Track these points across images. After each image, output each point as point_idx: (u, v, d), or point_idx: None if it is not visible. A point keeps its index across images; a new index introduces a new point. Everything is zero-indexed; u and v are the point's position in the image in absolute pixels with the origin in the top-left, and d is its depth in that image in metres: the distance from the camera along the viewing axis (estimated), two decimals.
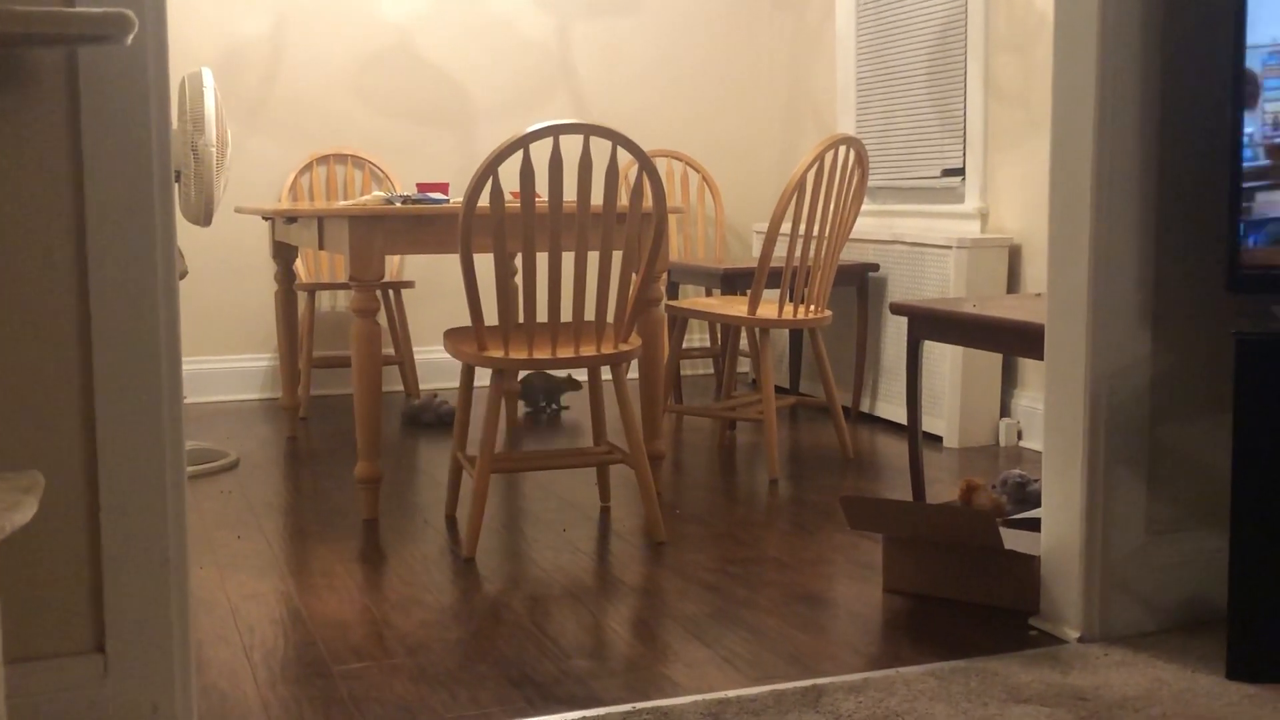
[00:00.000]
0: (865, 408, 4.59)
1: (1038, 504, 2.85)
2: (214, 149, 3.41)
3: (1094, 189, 2.26)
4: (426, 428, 4.46)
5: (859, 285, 4.51)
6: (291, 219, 3.63)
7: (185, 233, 4.85)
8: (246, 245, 5.02)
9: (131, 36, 1.58)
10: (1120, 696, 2.06)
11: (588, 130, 2.79)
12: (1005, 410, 4.17)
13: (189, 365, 4.94)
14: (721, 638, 2.38)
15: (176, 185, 3.43)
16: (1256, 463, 2.06)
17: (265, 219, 4.28)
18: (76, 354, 1.80)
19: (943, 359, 4.11)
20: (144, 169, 1.79)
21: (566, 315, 4.81)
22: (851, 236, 4.53)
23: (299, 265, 4.88)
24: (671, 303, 4.08)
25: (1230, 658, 2.12)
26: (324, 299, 5.18)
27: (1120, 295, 2.29)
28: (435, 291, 5.24)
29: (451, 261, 5.25)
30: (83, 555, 1.83)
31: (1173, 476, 2.36)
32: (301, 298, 4.90)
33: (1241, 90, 2.09)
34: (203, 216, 3.53)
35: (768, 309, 3.80)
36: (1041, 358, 2.43)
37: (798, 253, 3.77)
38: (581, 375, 5.09)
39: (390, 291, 4.93)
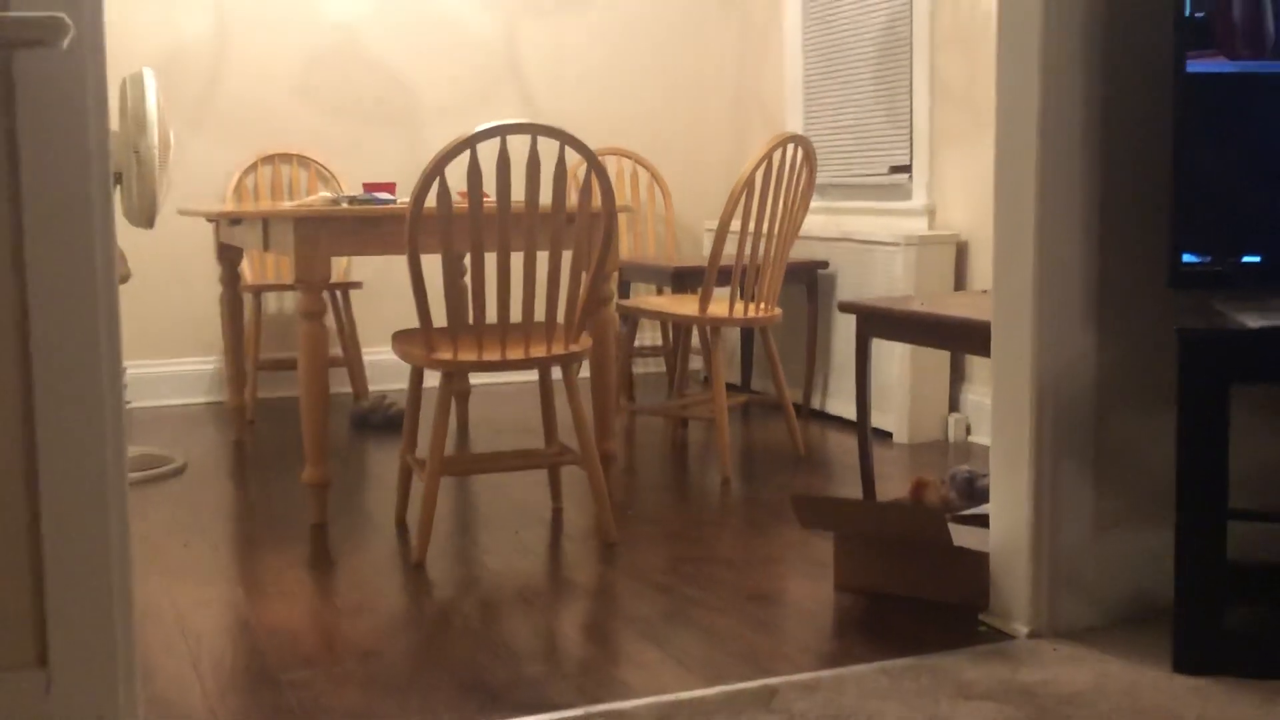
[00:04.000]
0: (816, 404, 4.61)
1: (986, 500, 2.88)
2: (156, 150, 3.36)
3: (1038, 187, 2.28)
4: (375, 430, 4.43)
5: (808, 283, 4.52)
6: (236, 220, 3.59)
7: (128, 235, 4.78)
8: (191, 247, 4.96)
9: (67, 40, 1.56)
10: (1069, 691, 2.08)
11: (535, 130, 2.78)
12: (954, 405, 4.20)
13: (133, 369, 4.88)
14: (674, 638, 2.38)
15: (118, 187, 3.38)
16: (1200, 457, 2.09)
17: (209, 221, 4.24)
18: (15, 359, 1.77)
19: (892, 355, 4.14)
20: (82, 171, 1.77)
21: (516, 316, 4.80)
22: (801, 234, 4.55)
23: (244, 267, 4.83)
24: (622, 301, 4.08)
25: (1176, 651, 2.15)
26: (270, 301, 5.13)
27: (1065, 292, 2.31)
28: (383, 292, 5.20)
29: (400, 262, 5.21)
30: (23, 565, 1.80)
31: (1119, 471, 2.39)
32: (247, 300, 4.85)
33: (1184, 85, 2.12)
34: (145, 219, 3.48)
35: (718, 307, 3.81)
36: (989, 354, 2.45)
37: (747, 251, 3.78)
38: (527, 376, 5.07)
39: (338, 293, 4.88)
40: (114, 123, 3.49)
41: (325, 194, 3.42)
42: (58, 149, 1.75)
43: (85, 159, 1.77)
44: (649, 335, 5.62)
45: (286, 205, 3.47)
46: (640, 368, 5.57)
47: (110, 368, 1.82)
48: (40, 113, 1.74)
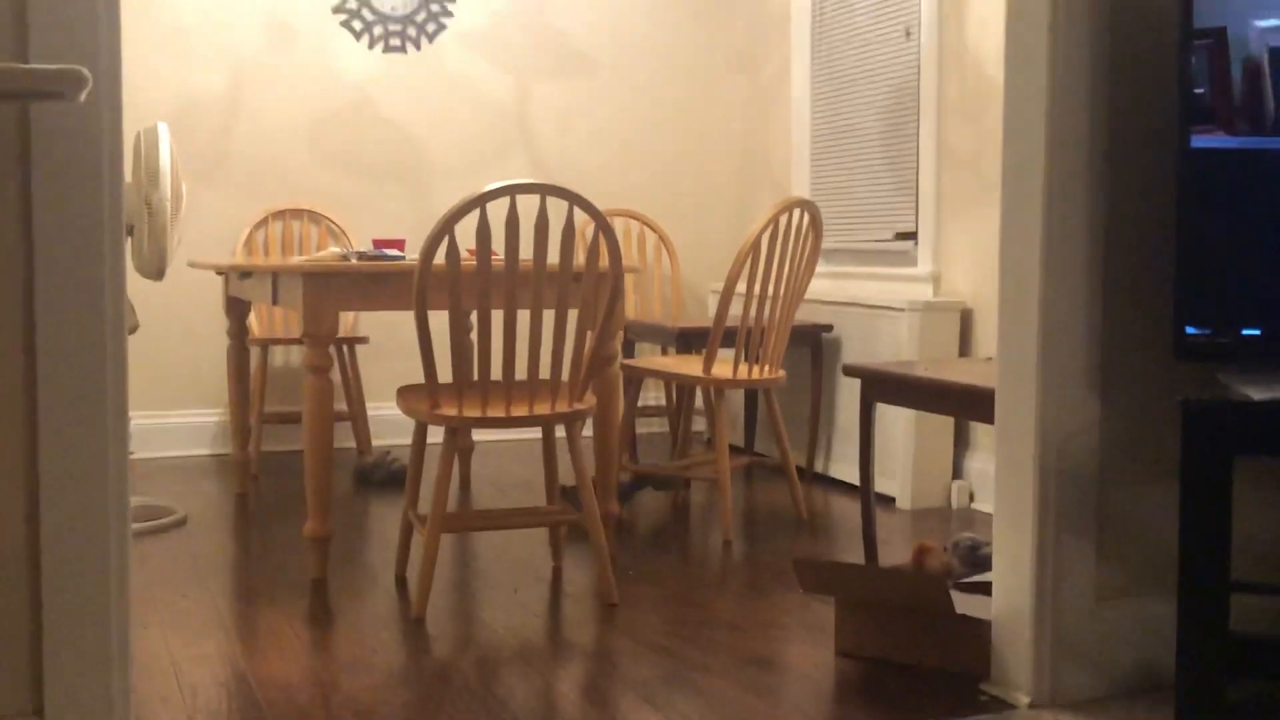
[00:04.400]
0: (819, 468, 4.60)
1: (989, 567, 2.86)
2: (168, 203, 3.39)
3: (1043, 255, 2.29)
4: (378, 485, 4.42)
5: (813, 346, 4.53)
6: (245, 274, 3.61)
7: (138, 287, 4.80)
8: (199, 300, 4.98)
9: (85, 93, 1.58)
10: None
11: (544, 190, 2.81)
12: (958, 472, 4.19)
13: (139, 420, 4.88)
14: (673, 702, 2.36)
15: (129, 239, 3.41)
16: (1202, 529, 2.08)
17: (219, 274, 4.26)
18: (22, 407, 1.78)
19: (896, 420, 4.13)
20: (95, 223, 1.78)
21: (521, 373, 4.81)
22: (806, 297, 4.56)
23: (252, 320, 4.85)
24: (627, 361, 4.08)
25: None
26: (277, 354, 5.15)
27: (1069, 360, 2.32)
28: (390, 348, 5.21)
29: (406, 318, 5.23)
30: (22, 613, 1.80)
31: (1122, 541, 2.38)
32: (254, 353, 4.87)
33: (1187, 160, 2.14)
34: (155, 271, 3.50)
35: (723, 368, 3.82)
36: (992, 421, 2.45)
37: (752, 313, 3.79)
38: (531, 433, 5.07)
39: (344, 347, 4.90)
40: (127, 174, 3.52)
41: (335, 249, 3.44)
42: (72, 200, 1.77)
43: (98, 211, 1.79)
44: (653, 395, 5.62)
45: (296, 260, 3.49)
46: (643, 427, 5.57)
47: (116, 418, 1.82)
48: (55, 164, 1.76)
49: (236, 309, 4.10)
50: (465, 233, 4.87)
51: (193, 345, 5.00)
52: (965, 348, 4.18)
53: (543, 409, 2.97)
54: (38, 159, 1.75)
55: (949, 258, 4.31)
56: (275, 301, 3.34)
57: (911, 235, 4.51)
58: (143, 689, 2.40)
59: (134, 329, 3.69)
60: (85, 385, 1.79)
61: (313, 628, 2.81)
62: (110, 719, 1.83)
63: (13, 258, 1.76)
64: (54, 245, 1.76)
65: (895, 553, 3.42)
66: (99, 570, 1.82)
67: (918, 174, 4.44)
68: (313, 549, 3.19)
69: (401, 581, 3.19)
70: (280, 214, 5.08)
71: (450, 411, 2.90)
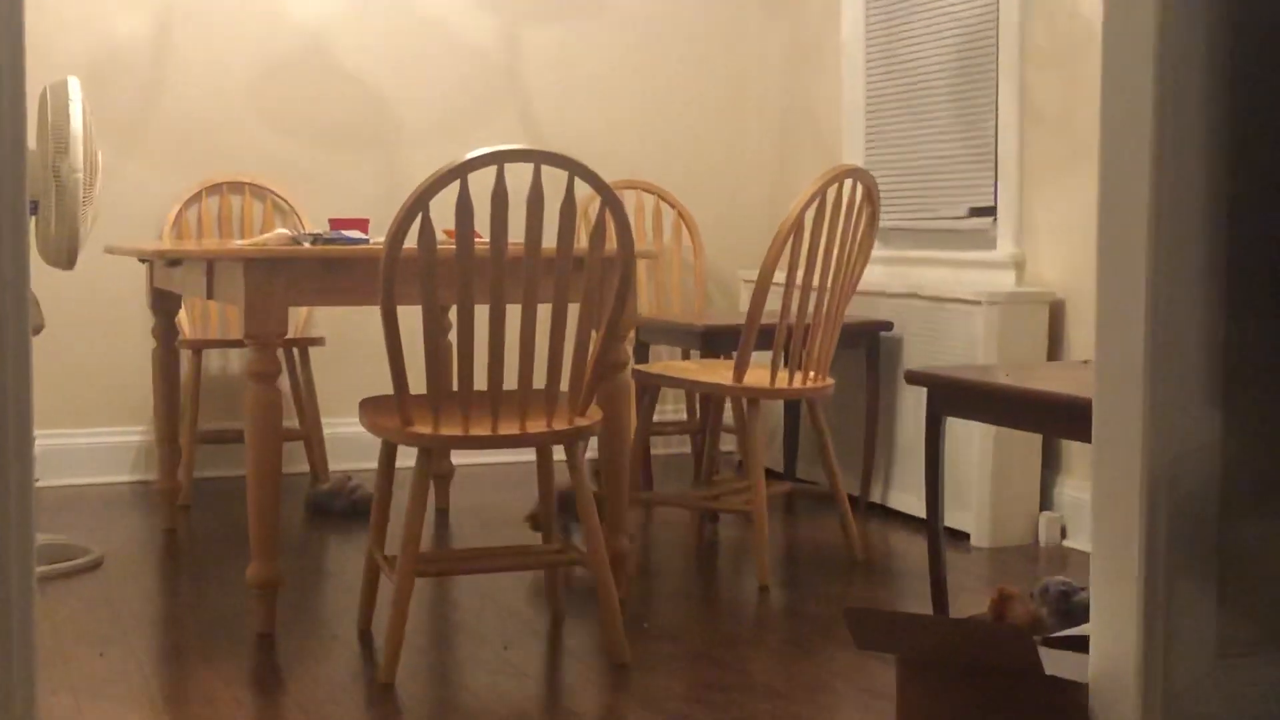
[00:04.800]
0: (876, 497, 4.59)
1: (1085, 618, 2.85)
2: (80, 174, 3.40)
3: (1151, 235, 2.29)
4: (337, 519, 4.43)
5: (868, 348, 4.52)
6: (175, 261, 3.63)
7: (42, 277, 4.82)
8: (118, 293, 5.00)
9: None
10: None
11: (538, 157, 2.81)
12: (1046, 503, 4.18)
13: (44, 440, 4.90)
14: None
15: (33, 219, 3.42)
16: None
17: (142, 261, 4.27)
18: None
19: (970, 439, 4.13)
20: None
21: (511, 382, 4.81)
22: (859, 288, 4.56)
23: (182, 318, 4.87)
24: (640, 367, 4.08)
25: None
26: (212, 359, 5.16)
27: (1185, 364, 2.31)
28: (350, 351, 5.22)
29: (371, 315, 5.24)
30: None
31: (1249, 586, 2.37)
32: (185, 358, 4.88)
33: None
34: (65, 257, 3.51)
35: (757, 376, 3.81)
36: (1089, 439, 2.45)
37: (794, 307, 3.79)
38: (523, 456, 5.07)
39: (295, 351, 4.91)
40: (31, 141, 3.54)
41: (283, 231, 3.45)
42: None
43: None
44: (672, 409, 5.62)
45: (236, 244, 3.50)
46: (661, 447, 5.56)
47: (18, 437, 1.83)
48: None
49: (164, 304, 4.11)
50: (442, 210, 4.88)
51: (110, 349, 5.01)
52: (1056, 349, 4.18)
53: (537, 426, 2.97)
54: None
55: (1035, 238, 4.31)
56: (210, 295, 3.35)
57: (989, 211, 4.50)
58: None
59: (38, 329, 3.71)
60: None
61: (257, 694, 2.82)
62: None
63: None
64: None
65: (970, 601, 3.41)
66: None
67: (996, 136, 4.44)
68: (257, 597, 3.19)
69: (366, 637, 3.20)
70: (216, 188, 5.09)
71: (424, 429, 2.90)
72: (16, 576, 1.83)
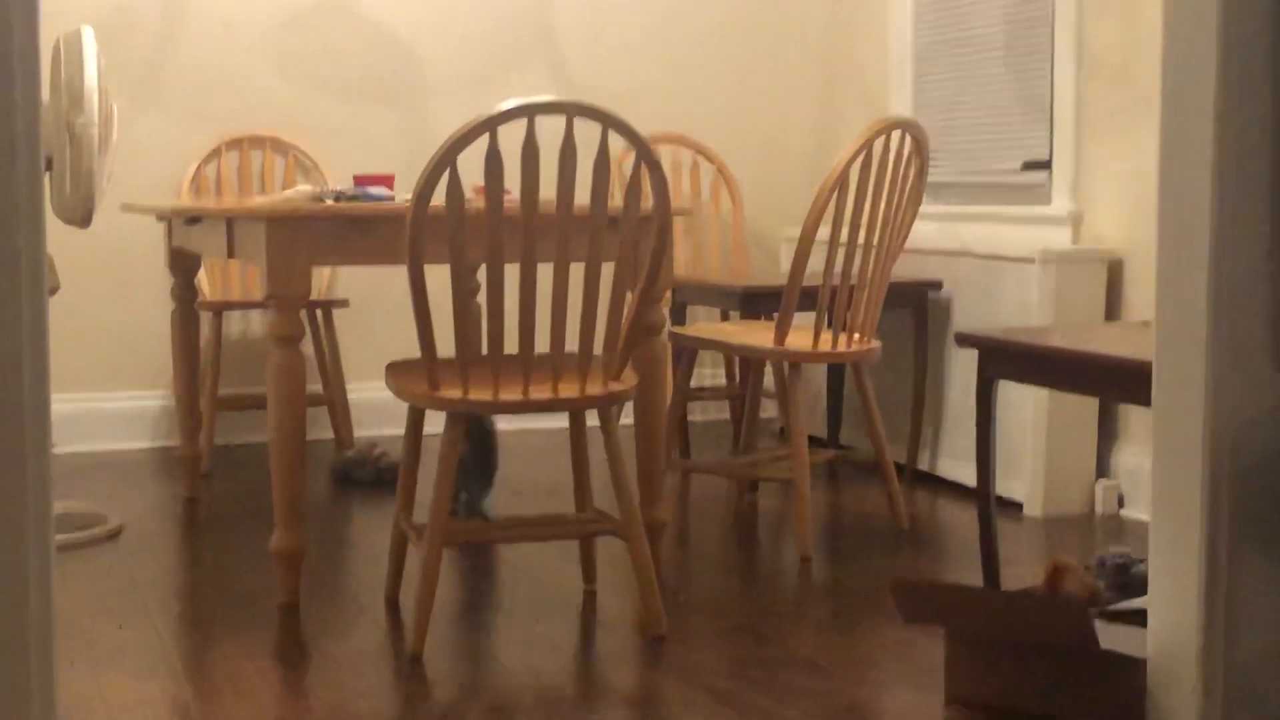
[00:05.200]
0: (923, 465, 4.59)
1: (1143, 591, 2.85)
2: (95, 130, 3.42)
3: (1215, 188, 2.27)
4: (362, 487, 4.46)
5: (916, 309, 4.50)
6: (193, 220, 3.64)
7: (57, 236, 4.85)
8: (136, 253, 5.03)
9: None
10: None
11: (571, 109, 2.80)
12: (1103, 470, 4.16)
13: (61, 405, 4.94)
14: None
15: (47, 176, 3.44)
16: None
17: (160, 220, 4.29)
18: None
19: (1023, 404, 4.11)
20: (6, 155, 1.80)
21: (542, 345, 4.82)
22: (907, 246, 4.54)
23: (202, 278, 4.89)
24: (677, 330, 4.08)
25: None
26: (233, 322, 5.19)
27: (1249, 325, 2.29)
28: (376, 313, 5.24)
29: (397, 275, 5.25)
30: None
31: None
32: (205, 320, 4.91)
33: None
34: (80, 215, 3.53)
35: (800, 338, 3.81)
36: (1149, 403, 2.44)
37: (839, 267, 3.78)
38: (555, 422, 5.08)
39: (318, 313, 4.93)
40: (44, 94, 3.55)
41: (305, 188, 3.46)
42: None
43: (9, 139, 1.80)
44: (710, 373, 5.62)
45: (257, 201, 3.51)
46: (698, 413, 5.57)
47: (35, 403, 1.84)
48: None
49: (183, 264, 4.13)
50: (471, 166, 4.88)
51: (128, 311, 5.05)
52: (1114, 309, 4.16)
53: (570, 391, 2.98)
54: None
55: (1093, 193, 4.28)
56: (231, 254, 3.36)
57: (1044, 164, 4.47)
58: None
59: (54, 290, 3.73)
60: None
61: (282, 666, 2.84)
62: None
63: None
64: None
65: (1022, 573, 3.41)
66: (13, 594, 1.84)
67: (1052, 86, 4.41)
68: (281, 567, 3.22)
69: (393, 608, 3.22)
70: (237, 143, 5.11)
71: (453, 394, 2.91)
72: (34, 545, 1.85)
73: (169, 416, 5.05)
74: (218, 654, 2.91)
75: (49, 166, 3.44)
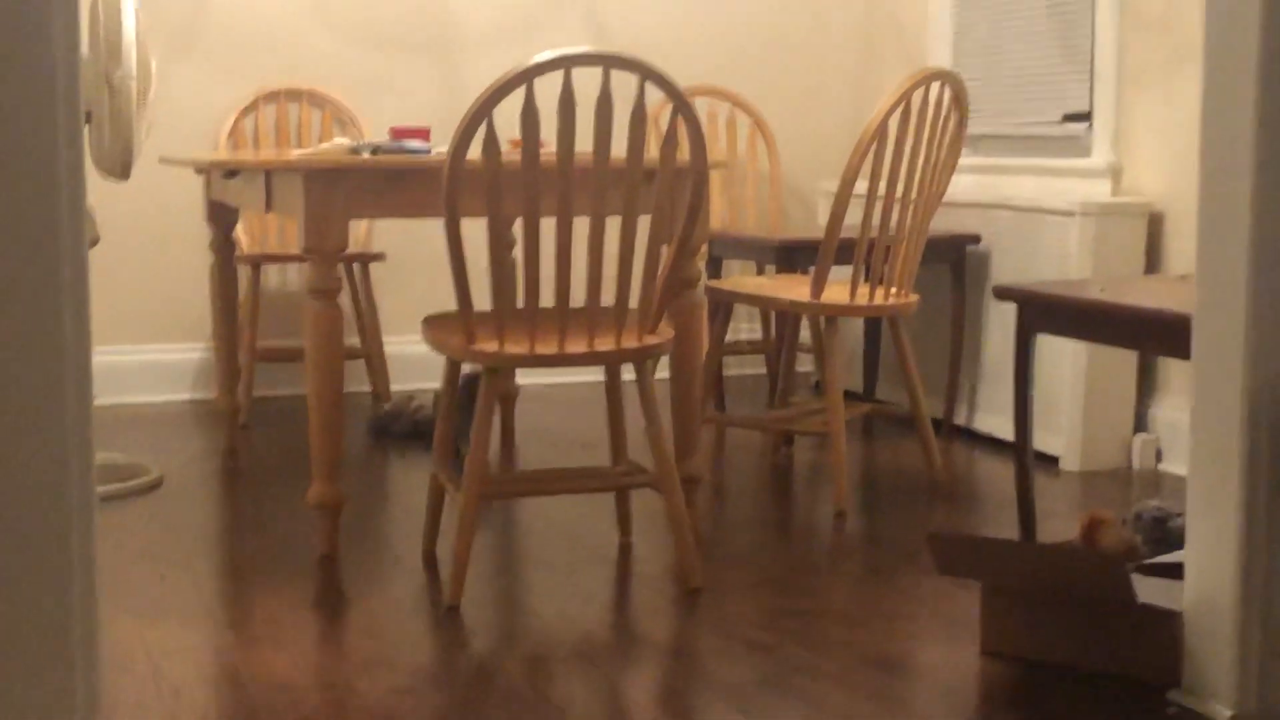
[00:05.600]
0: (960, 420, 4.58)
1: (1180, 545, 2.84)
2: (134, 82, 3.43)
3: (1257, 141, 2.25)
4: (399, 440, 4.48)
5: (954, 262, 4.48)
6: (231, 172, 3.65)
7: (96, 189, 4.87)
8: (174, 206, 5.05)
9: None
10: None
11: (608, 61, 2.79)
12: (1141, 424, 4.15)
13: (101, 357, 4.97)
14: (773, 712, 2.38)
15: (86, 129, 3.46)
16: None
17: (198, 172, 4.30)
18: None
19: (1062, 357, 4.10)
20: (46, 108, 1.81)
21: (578, 299, 4.82)
22: (946, 199, 4.51)
23: (240, 231, 4.91)
24: (713, 283, 4.08)
25: None
26: (271, 275, 5.21)
27: None
28: (412, 267, 5.25)
29: (434, 228, 5.25)
30: None
31: None
32: (243, 273, 4.93)
33: None
34: (120, 167, 3.54)
35: (836, 292, 3.80)
36: (1188, 357, 2.42)
37: (876, 220, 3.76)
38: (591, 376, 5.08)
39: (355, 266, 4.94)
40: (83, 47, 3.56)
41: (342, 141, 3.46)
42: (16, 79, 1.79)
43: (50, 92, 1.81)
44: (746, 327, 5.61)
45: (294, 154, 3.52)
46: (734, 367, 5.57)
47: (76, 355, 1.86)
48: None
49: (221, 217, 4.15)
50: (507, 119, 4.88)
51: (167, 263, 5.07)
52: (1154, 262, 4.13)
53: (605, 344, 2.98)
54: None
55: (1133, 145, 4.25)
56: (269, 208, 3.37)
57: (1084, 116, 4.44)
58: (113, 691, 2.47)
59: (94, 242, 3.75)
60: (38, 312, 1.83)
61: (321, 616, 2.87)
62: None
63: None
64: None
65: (1059, 527, 3.40)
66: (57, 544, 1.86)
67: (1093, 37, 4.37)
68: (320, 519, 3.24)
69: (430, 560, 3.24)
70: (274, 96, 5.11)
71: (489, 347, 2.92)
72: (77, 496, 1.87)
73: (208, 369, 5.08)
74: (257, 603, 2.94)
75: (88, 119, 3.45)
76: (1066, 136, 4.52)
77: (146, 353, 5.08)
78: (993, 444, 4.40)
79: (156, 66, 3.66)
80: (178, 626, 2.80)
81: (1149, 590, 2.54)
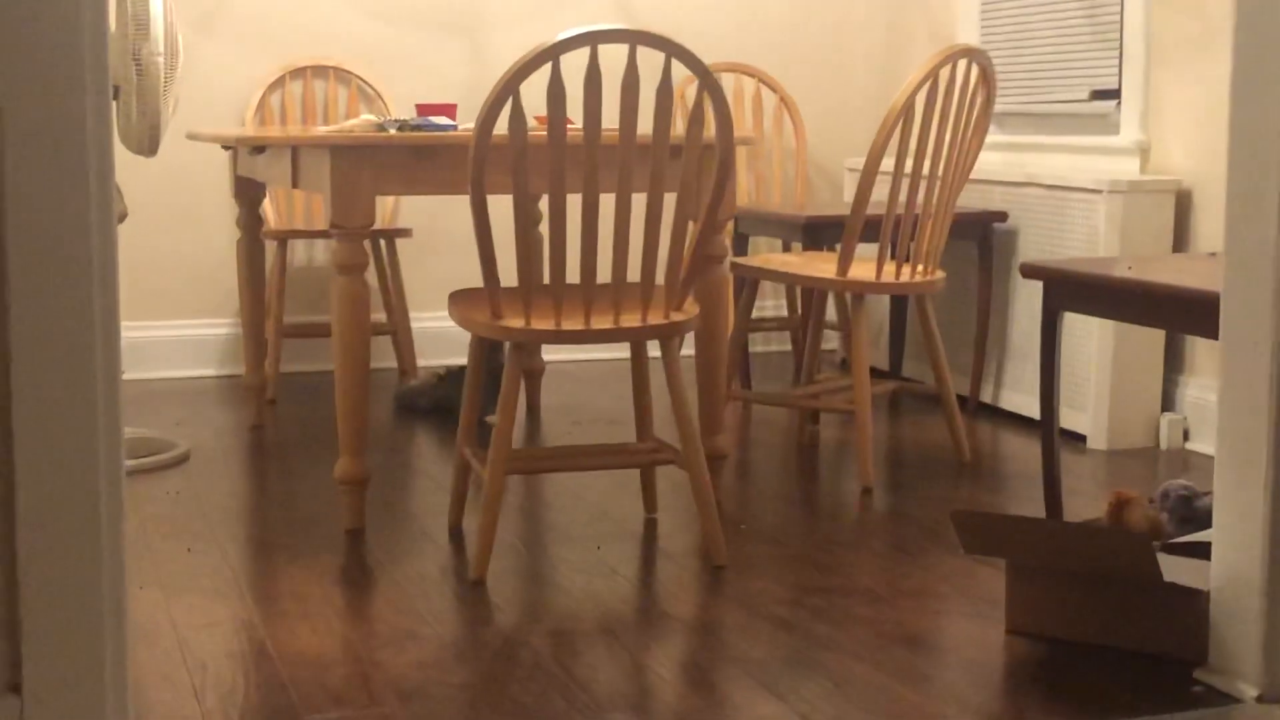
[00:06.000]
0: (986, 397, 4.57)
1: (1208, 524, 2.83)
2: (162, 58, 3.44)
3: None
4: (425, 415, 4.49)
5: (981, 239, 4.47)
6: (258, 148, 3.66)
7: (124, 165, 4.88)
8: (201, 182, 5.06)
9: None
10: None
11: (634, 37, 2.79)
12: (1169, 403, 4.13)
13: (129, 333, 5.00)
14: (797, 688, 2.39)
15: (115, 105, 3.47)
16: None
17: (225, 148, 4.31)
18: None
19: (1089, 336, 4.08)
20: (74, 84, 1.81)
21: (604, 275, 4.82)
22: (972, 176, 4.50)
23: (267, 207, 4.92)
24: (739, 260, 4.07)
25: None
26: (298, 250, 5.22)
27: None
28: (439, 243, 5.26)
29: (460, 204, 5.26)
30: None
31: None
32: (270, 249, 4.94)
33: None
34: (147, 144, 3.56)
35: (862, 269, 3.79)
36: (1216, 335, 2.41)
37: (903, 197, 3.75)
38: (616, 352, 5.08)
39: (382, 242, 4.95)
40: (110, 23, 3.57)
41: (369, 117, 3.46)
42: (43, 56, 1.80)
43: (78, 67, 1.81)
44: (771, 303, 5.61)
45: (321, 130, 3.52)
46: (760, 344, 5.56)
47: (105, 330, 1.87)
48: (21, 10, 1.78)
49: (248, 193, 4.16)
50: (534, 95, 4.87)
51: (194, 239, 5.09)
52: (1182, 240, 4.11)
53: (631, 320, 2.98)
54: None
55: (1161, 123, 4.22)
56: (296, 184, 3.38)
57: (1112, 94, 4.41)
58: (140, 663, 2.48)
59: (122, 217, 3.77)
60: (67, 288, 1.83)
61: (347, 590, 2.88)
62: (101, 698, 1.90)
63: None
64: (24, 113, 1.80)
65: (1085, 505, 3.40)
66: (86, 517, 1.87)
67: (1121, 13, 4.34)
68: (346, 493, 3.25)
69: (456, 534, 3.25)
70: (300, 72, 5.11)
71: (515, 323, 2.93)
72: (105, 470, 1.88)
73: (235, 344, 5.10)
74: (284, 577, 2.96)
75: (116, 95, 3.46)
76: (1095, 114, 4.49)
77: (174, 328, 5.10)
78: (1019, 422, 4.39)
79: (183, 42, 3.67)
80: (204, 600, 2.82)
81: (1175, 569, 2.54)
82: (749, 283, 4.12)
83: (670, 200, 3.00)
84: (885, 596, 2.84)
